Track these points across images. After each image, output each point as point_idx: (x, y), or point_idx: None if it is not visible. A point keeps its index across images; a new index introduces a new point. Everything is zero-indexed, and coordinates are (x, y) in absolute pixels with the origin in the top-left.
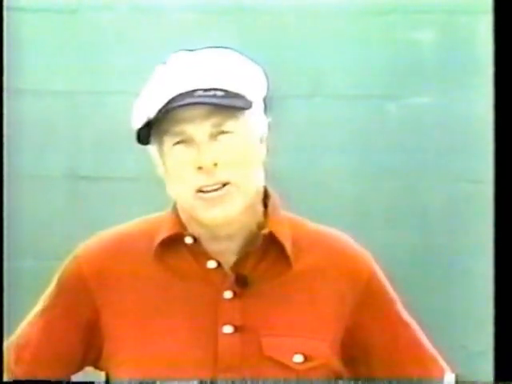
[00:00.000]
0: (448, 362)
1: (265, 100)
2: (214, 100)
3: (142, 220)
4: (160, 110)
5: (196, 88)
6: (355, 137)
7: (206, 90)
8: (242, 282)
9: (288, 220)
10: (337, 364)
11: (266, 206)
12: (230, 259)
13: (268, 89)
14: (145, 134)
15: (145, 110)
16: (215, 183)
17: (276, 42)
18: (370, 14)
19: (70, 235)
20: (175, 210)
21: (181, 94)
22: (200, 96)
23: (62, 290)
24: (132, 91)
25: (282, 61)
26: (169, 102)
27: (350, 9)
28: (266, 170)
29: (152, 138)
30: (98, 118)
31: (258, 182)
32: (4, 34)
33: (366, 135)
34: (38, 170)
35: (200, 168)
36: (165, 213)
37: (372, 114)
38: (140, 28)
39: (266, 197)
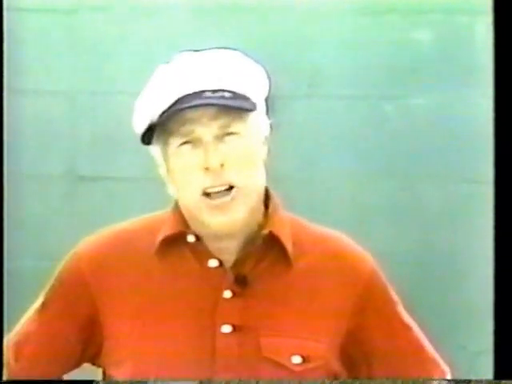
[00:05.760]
0: (448, 362)
1: (267, 101)
2: (223, 101)
3: (143, 218)
4: (167, 111)
5: (204, 89)
6: (354, 137)
7: (214, 91)
8: (241, 282)
9: (289, 220)
10: (336, 365)
11: (266, 206)
12: (230, 258)
13: (269, 89)
14: (148, 135)
15: (149, 111)
16: (221, 184)
17: (274, 41)
18: (368, 14)
19: (69, 235)
20: (177, 208)
21: (188, 95)
22: (208, 97)
23: (62, 286)
24: (132, 91)
25: (281, 61)
26: (176, 103)
27: (348, 9)
28: (265, 171)
29: (155, 139)
30: (98, 118)
31: (260, 184)
32: (4, 34)
33: (364, 135)
34: (38, 170)
35: (207, 169)
36: (166, 211)
37: (371, 114)
38: (140, 28)
39: (266, 197)
